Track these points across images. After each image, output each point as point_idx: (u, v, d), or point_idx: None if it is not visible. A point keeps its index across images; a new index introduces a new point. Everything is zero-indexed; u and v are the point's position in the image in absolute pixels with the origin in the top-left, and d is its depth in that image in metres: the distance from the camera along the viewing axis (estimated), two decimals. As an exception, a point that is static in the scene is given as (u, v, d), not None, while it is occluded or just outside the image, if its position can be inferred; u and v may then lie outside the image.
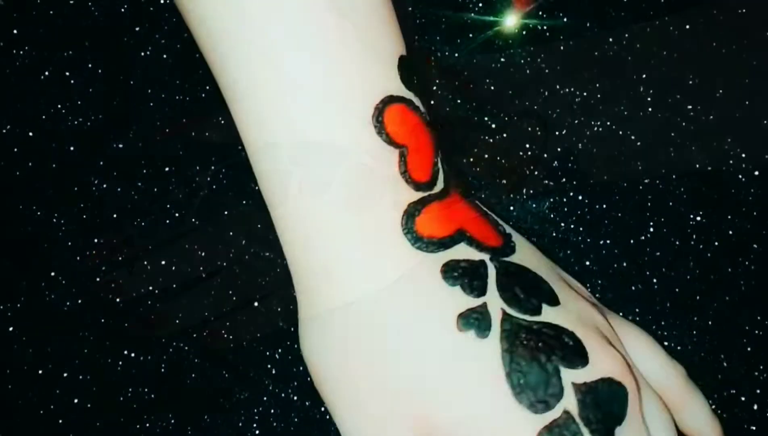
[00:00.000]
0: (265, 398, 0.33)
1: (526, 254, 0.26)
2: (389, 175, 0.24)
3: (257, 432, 0.33)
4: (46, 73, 0.36)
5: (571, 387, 0.23)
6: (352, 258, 0.24)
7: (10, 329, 0.37)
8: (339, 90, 0.24)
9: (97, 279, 0.37)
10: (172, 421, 0.35)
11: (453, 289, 0.24)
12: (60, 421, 0.36)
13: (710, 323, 0.31)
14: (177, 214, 0.37)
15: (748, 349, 0.31)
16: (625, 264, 0.32)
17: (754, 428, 0.31)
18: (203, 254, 0.36)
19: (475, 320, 0.23)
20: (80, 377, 0.36)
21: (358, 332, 0.24)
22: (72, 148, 0.37)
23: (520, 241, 0.27)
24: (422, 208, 0.25)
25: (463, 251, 0.25)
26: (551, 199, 0.32)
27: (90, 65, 0.37)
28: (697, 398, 0.28)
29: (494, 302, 0.24)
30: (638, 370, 0.26)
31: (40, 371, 0.36)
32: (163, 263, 0.37)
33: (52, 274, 0.37)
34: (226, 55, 0.24)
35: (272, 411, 0.33)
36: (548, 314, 0.24)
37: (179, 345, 0.36)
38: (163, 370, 0.36)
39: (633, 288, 0.32)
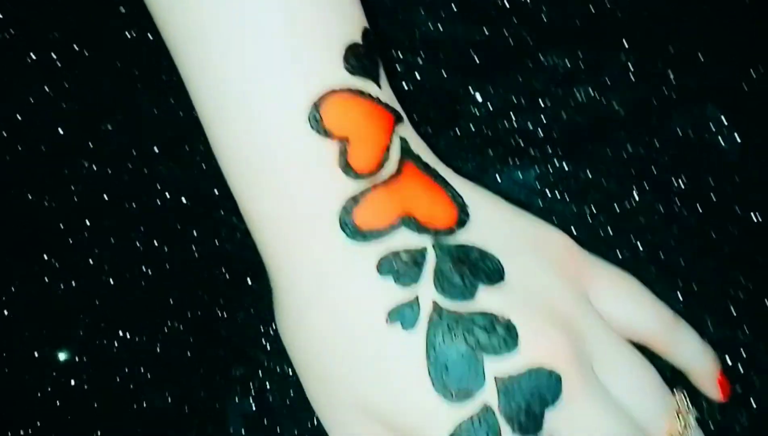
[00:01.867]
0: (260, 373, 0.34)
1: (481, 225, 0.26)
2: (328, 169, 0.25)
3: (253, 408, 0.34)
4: (32, 54, 0.36)
5: (493, 380, 0.24)
6: (291, 249, 0.25)
7: (5, 312, 0.37)
8: (275, 84, 0.24)
9: (90, 261, 0.37)
10: (169, 399, 0.36)
11: (386, 282, 0.25)
12: (57, 403, 0.37)
13: (695, 286, 0.32)
14: (168, 194, 0.37)
15: (733, 312, 0.32)
16: (610, 231, 0.32)
17: (739, 390, 0.32)
18: (195, 233, 0.36)
19: (403, 314, 0.24)
20: (76, 358, 0.37)
21: (299, 317, 0.26)
22: (61, 132, 0.37)
23: (481, 207, 0.27)
24: (363, 198, 0.25)
25: (403, 239, 0.25)
26: (537, 170, 0.33)
27: (76, 46, 0.37)
28: (686, 333, 0.29)
29: (426, 293, 0.25)
30: (607, 329, 0.26)
31: (36, 354, 0.37)
32: (156, 243, 0.37)
33: (45, 257, 0.37)
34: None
35: (268, 386, 0.34)
36: (485, 297, 0.25)
37: (174, 324, 0.36)
38: (158, 349, 0.36)
39: (619, 255, 0.32)
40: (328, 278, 0.25)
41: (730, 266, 0.32)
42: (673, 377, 0.29)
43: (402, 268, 0.25)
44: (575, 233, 0.32)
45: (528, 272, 0.26)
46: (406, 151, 0.26)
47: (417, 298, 0.24)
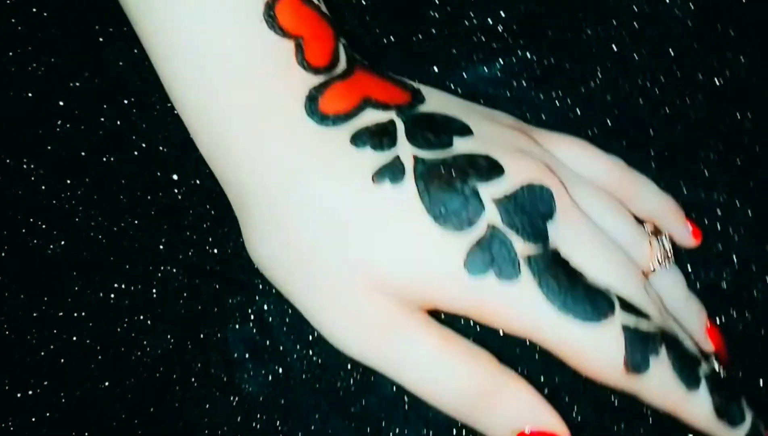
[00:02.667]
0: (257, 297, 0.34)
1: (436, 101, 0.28)
2: (288, 65, 0.26)
3: (254, 330, 0.34)
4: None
5: (491, 202, 0.25)
6: (263, 147, 0.26)
7: (-1, 278, 0.37)
8: None
9: (76, 219, 0.37)
10: (172, 341, 0.36)
11: (364, 151, 0.25)
12: (62, 360, 0.37)
13: (666, 154, 0.33)
14: (144, 145, 0.37)
15: (705, 174, 0.33)
16: (579, 112, 0.33)
17: (720, 248, 0.33)
18: (176, 176, 0.37)
19: (388, 171, 0.25)
20: (74, 314, 0.37)
21: (284, 214, 0.26)
22: (30, 94, 0.37)
23: (432, 92, 0.28)
24: (324, 90, 0.26)
25: (370, 117, 0.26)
26: (501, 62, 0.33)
27: (35, 9, 0.37)
28: (641, 182, 0.30)
29: (405, 151, 0.25)
30: (573, 172, 0.28)
31: (35, 314, 0.37)
32: (138, 193, 0.37)
33: (31, 220, 0.37)
34: None
35: (265, 308, 0.34)
36: (461, 145, 0.26)
37: (166, 268, 0.37)
38: (154, 295, 0.37)
39: (590, 133, 0.33)
40: (307, 163, 0.25)
41: (698, 130, 0.33)
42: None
43: (376, 137, 0.25)
44: (544, 118, 0.33)
45: (492, 126, 0.27)
46: (351, 55, 0.28)
47: (398, 156, 0.25)
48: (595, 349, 0.25)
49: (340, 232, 0.25)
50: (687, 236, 0.31)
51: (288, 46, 0.26)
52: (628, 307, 0.25)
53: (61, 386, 0.37)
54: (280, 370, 0.34)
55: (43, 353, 0.37)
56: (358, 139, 0.25)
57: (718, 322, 0.32)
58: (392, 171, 0.25)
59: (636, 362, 0.25)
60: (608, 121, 0.33)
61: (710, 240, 0.32)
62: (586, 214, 0.26)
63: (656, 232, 0.29)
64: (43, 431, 0.37)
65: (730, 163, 0.32)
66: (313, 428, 0.32)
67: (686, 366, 0.26)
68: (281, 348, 0.34)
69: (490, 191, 0.25)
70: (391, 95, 0.27)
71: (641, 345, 0.25)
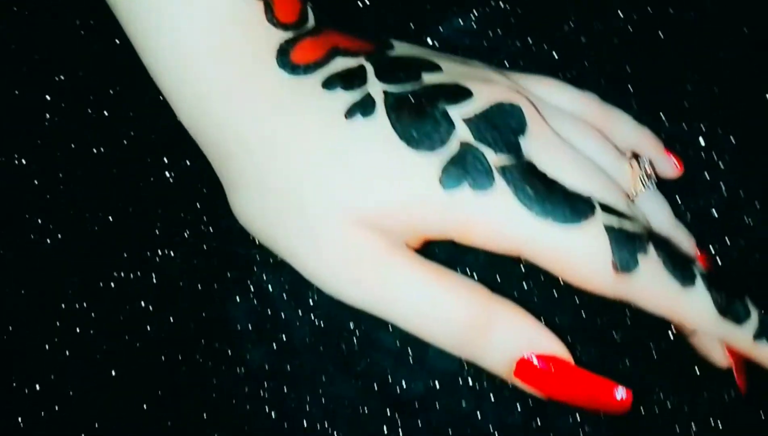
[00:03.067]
0: (255, 268, 0.35)
1: (404, 49, 0.28)
2: (258, 22, 0.26)
3: (255, 302, 0.35)
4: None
5: (461, 121, 0.25)
6: (237, 103, 0.26)
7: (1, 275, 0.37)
8: None
9: (71, 212, 0.38)
10: (174, 323, 0.37)
11: (335, 92, 0.26)
12: (67, 352, 0.37)
13: (644, 89, 0.33)
14: (133, 132, 0.38)
15: (685, 105, 0.33)
16: (555, 56, 0.34)
17: (708, 177, 0.33)
18: (166, 159, 0.37)
19: (359, 106, 0.25)
20: (76, 305, 0.37)
21: (262, 164, 0.26)
22: (17, 92, 0.38)
23: (401, 44, 0.29)
24: (295, 43, 0.27)
25: (340, 63, 0.27)
26: (476, 14, 0.34)
27: (15, 8, 0.38)
28: (616, 115, 0.30)
29: (376, 88, 0.26)
30: (550, 105, 0.28)
31: (37, 308, 0.37)
32: (131, 180, 0.38)
33: (27, 215, 0.38)
34: None
35: (264, 277, 0.35)
36: (429, 78, 0.26)
37: (164, 252, 0.37)
38: (154, 280, 0.37)
39: (568, 75, 0.33)
40: (280, 110, 0.26)
41: (675, 62, 0.33)
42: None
43: (346, 79, 0.26)
44: (522, 65, 0.33)
45: (461, 65, 0.28)
46: (319, 17, 0.28)
47: (368, 93, 0.26)
48: (579, 252, 0.24)
49: (316, 171, 0.25)
50: (668, 165, 0.31)
51: (257, 6, 0.26)
52: (610, 210, 0.25)
53: (67, 378, 0.37)
54: (284, 338, 0.34)
55: (47, 347, 0.37)
56: (330, 83, 0.26)
57: (712, 250, 0.33)
58: (363, 106, 0.25)
59: (624, 261, 0.24)
60: (585, 62, 0.33)
61: (696, 169, 0.33)
62: (559, 135, 0.26)
63: (636, 157, 0.29)
64: (53, 424, 0.37)
65: (708, 93, 0.33)
66: (320, 391, 0.32)
67: (679, 262, 0.25)
68: (283, 316, 0.34)
69: (459, 112, 0.25)
70: (359, 46, 0.28)
71: (627, 243, 0.24)
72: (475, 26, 0.33)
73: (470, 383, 0.32)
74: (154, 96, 0.37)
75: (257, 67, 0.26)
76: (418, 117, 0.25)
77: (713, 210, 0.33)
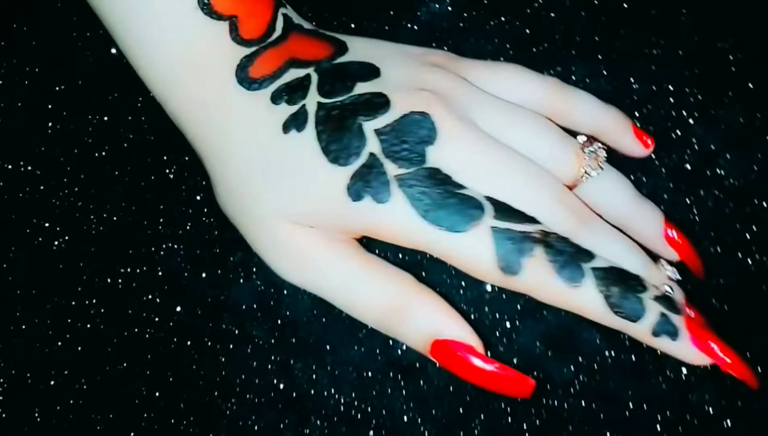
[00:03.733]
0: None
1: (361, 50, 0.30)
2: (221, 43, 0.30)
3: (258, 282, 0.36)
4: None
5: (373, 134, 0.27)
6: (204, 118, 0.30)
7: (9, 278, 0.39)
8: None
9: (77, 214, 0.39)
10: (181, 312, 0.38)
11: (280, 106, 0.29)
12: (79, 348, 0.38)
13: (613, 56, 0.35)
14: (131, 135, 0.39)
15: (652, 68, 0.35)
16: (527, 32, 0.36)
17: (679, 133, 0.35)
18: (165, 157, 0.39)
19: (293, 121, 0.28)
20: (86, 302, 0.39)
21: (225, 168, 0.30)
22: (20, 104, 0.40)
23: (360, 42, 0.31)
24: (256, 57, 0.30)
25: (291, 74, 0.29)
26: (448, -2, 0.36)
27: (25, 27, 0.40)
28: (578, 97, 0.31)
29: (312, 101, 0.28)
30: (487, 95, 0.29)
31: (48, 306, 0.39)
32: (133, 181, 0.39)
33: (34, 220, 0.39)
34: None
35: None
36: (361, 88, 0.28)
37: (168, 245, 0.38)
38: (159, 273, 0.39)
39: (541, 48, 0.35)
40: (236, 125, 0.29)
41: (640, 31, 0.35)
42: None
43: (291, 91, 0.29)
44: (497, 42, 0.35)
45: (404, 66, 0.29)
46: (289, 23, 0.31)
47: (303, 105, 0.28)
48: (467, 254, 0.27)
49: (260, 178, 0.29)
50: (635, 144, 0.31)
51: (222, 26, 0.30)
52: (506, 211, 0.27)
53: (80, 372, 0.38)
54: (287, 313, 0.35)
55: (60, 343, 0.38)
56: (277, 96, 0.29)
57: (688, 202, 0.34)
58: (297, 120, 0.28)
59: (506, 263, 0.27)
60: (556, 35, 0.35)
61: (668, 127, 0.34)
62: (480, 134, 0.28)
63: (590, 141, 0.30)
64: (68, 417, 0.38)
65: (673, 56, 0.35)
66: (325, 359, 0.34)
67: (568, 263, 0.27)
68: (285, 292, 0.35)
69: (373, 124, 0.27)
70: (316, 52, 0.30)
71: (511, 245, 0.26)
72: (450, 9, 0.35)
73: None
74: (150, 100, 0.39)
75: (218, 83, 0.30)
76: (337, 131, 0.27)
77: (687, 165, 0.34)
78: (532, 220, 0.27)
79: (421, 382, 0.33)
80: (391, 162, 0.27)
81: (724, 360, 0.28)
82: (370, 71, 0.29)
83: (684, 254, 0.31)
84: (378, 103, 0.28)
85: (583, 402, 0.32)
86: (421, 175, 0.27)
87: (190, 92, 0.30)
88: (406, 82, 0.29)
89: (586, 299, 0.27)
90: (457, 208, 0.27)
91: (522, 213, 0.27)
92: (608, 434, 0.32)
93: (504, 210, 0.27)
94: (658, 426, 0.32)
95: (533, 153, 0.28)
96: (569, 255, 0.27)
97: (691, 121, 0.34)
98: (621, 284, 0.27)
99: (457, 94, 0.28)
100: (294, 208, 0.29)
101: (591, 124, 0.31)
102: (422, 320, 0.28)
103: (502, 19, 0.36)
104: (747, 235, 0.34)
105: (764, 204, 0.34)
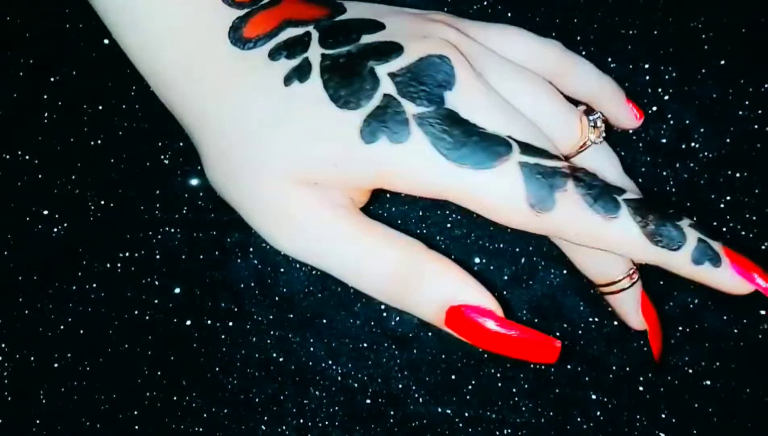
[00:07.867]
0: (254, 230, 0.37)
1: (358, 10, 0.29)
2: (214, 5, 0.28)
3: (255, 261, 0.37)
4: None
5: (386, 76, 0.25)
6: (196, 81, 0.28)
7: (11, 265, 0.40)
8: None
9: (75, 201, 0.40)
10: (180, 293, 0.39)
11: (279, 62, 0.27)
12: (81, 331, 0.40)
13: (592, 36, 0.37)
14: (126, 124, 0.40)
15: (629, 48, 0.37)
16: (510, 15, 0.37)
17: (655, 108, 0.36)
18: (160, 143, 0.40)
19: (296, 72, 0.26)
20: (86, 287, 0.40)
21: (218, 133, 0.28)
22: (15, 95, 0.40)
23: (357, 5, 0.29)
24: (249, 19, 0.28)
25: (288, 33, 0.28)
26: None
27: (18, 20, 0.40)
28: (578, 62, 0.30)
29: (315, 53, 0.26)
30: (497, 56, 0.28)
31: (50, 291, 0.40)
32: (129, 168, 0.40)
33: (33, 208, 0.40)
34: None
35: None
36: (368, 38, 0.27)
37: (166, 229, 0.39)
38: (157, 256, 0.40)
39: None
40: (231, 84, 0.27)
41: (617, 12, 0.37)
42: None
43: (290, 47, 0.27)
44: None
45: (409, 21, 0.28)
46: None
47: (306, 58, 0.26)
48: (496, 193, 0.25)
49: (259, 136, 0.26)
50: (627, 116, 0.32)
51: None
52: (532, 148, 0.25)
53: (84, 355, 0.40)
54: (285, 290, 0.36)
55: (62, 327, 0.39)
56: (275, 53, 0.27)
57: (665, 174, 0.36)
58: (299, 72, 0.26)
59: (537, 198, 0.25)
60: (537, 18, 0.37)
61: (645, 103, 0.36)
62: (492, 89, 0.27)
63: (589, 111, 0.30)
64: (73, 398, 0.39)
65: (648, 35, 0.36)
66: (323, 332, 0.35)
67: (601, 195, 0.25)
68: (282, 270, 0.36)
69: (386, 68, 0.26)
70: (312, 13, 0.28)
71: (542, 180, 0.25)
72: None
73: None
74: (143, 88, 0.40)
75: (211, 45, 0.28)
76: (346, 76, 0.26)
77: (663, 139, 0.36)
78: (558, 157, 0.26)
79: (415, 351, 0.34)
80: (408, 100, 0.25)
81: (766, 287, 0.26)
82: (374, 24, 0.27)
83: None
84: (390, 48, 0.26)
85: (569, 366, 0.34)
86: (443, 115, 0.25)
87: (177, 57, 0.28)
88: (414, 32, 0.27)
89: (622, 231, 0.25)
90: (482, 145, 0.25)
91: (547, 151, 0.26)
92: (593, 395, 0.34)
93: (530, 147, 0.25)
94: (640, 387, 0.33)
95: (538, 118, 0.27)
96: (601, 188, 0.25)
97: (666, 97, 0.36)
98: (657, 211, 0.26)
99: (464, 48, 0.27)
100: (297, 162, 0.26)
101: (589, 91, 0.30)
102: (435, 287, 0.25)
103: (484, 3, 0.37)
104: (721, 204, 0.35)
105: (737, 175, 0.36)
